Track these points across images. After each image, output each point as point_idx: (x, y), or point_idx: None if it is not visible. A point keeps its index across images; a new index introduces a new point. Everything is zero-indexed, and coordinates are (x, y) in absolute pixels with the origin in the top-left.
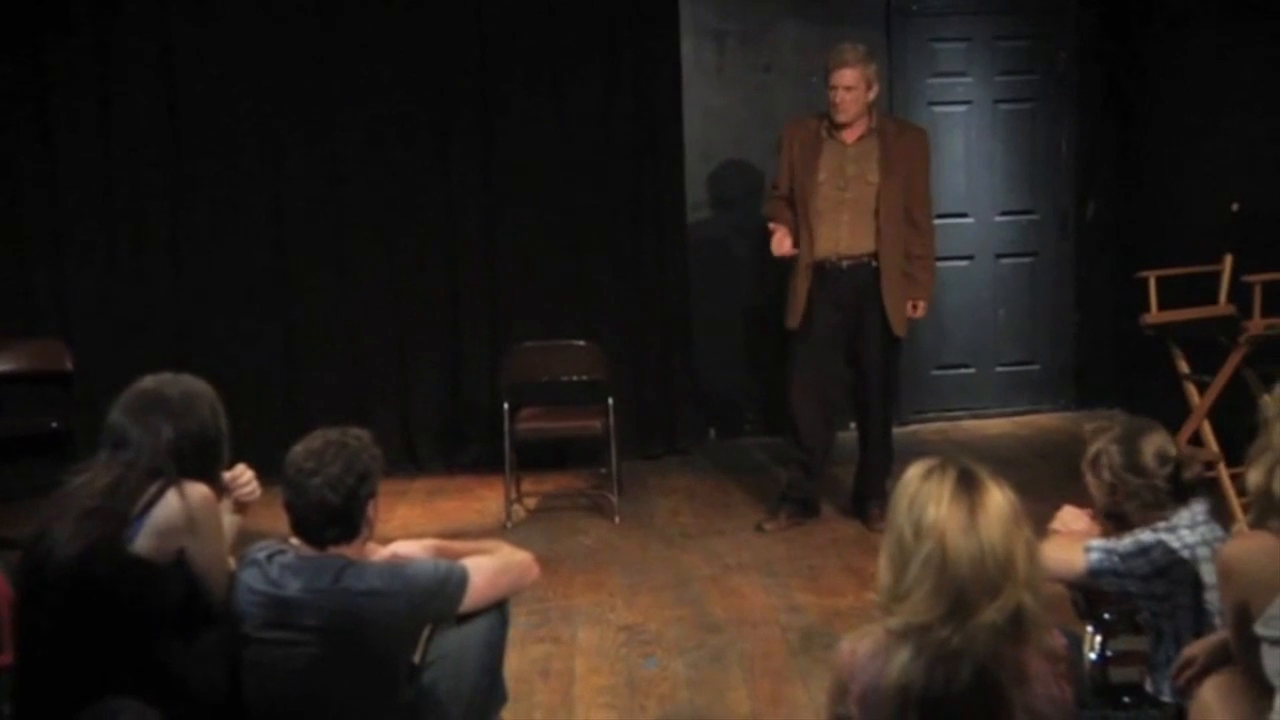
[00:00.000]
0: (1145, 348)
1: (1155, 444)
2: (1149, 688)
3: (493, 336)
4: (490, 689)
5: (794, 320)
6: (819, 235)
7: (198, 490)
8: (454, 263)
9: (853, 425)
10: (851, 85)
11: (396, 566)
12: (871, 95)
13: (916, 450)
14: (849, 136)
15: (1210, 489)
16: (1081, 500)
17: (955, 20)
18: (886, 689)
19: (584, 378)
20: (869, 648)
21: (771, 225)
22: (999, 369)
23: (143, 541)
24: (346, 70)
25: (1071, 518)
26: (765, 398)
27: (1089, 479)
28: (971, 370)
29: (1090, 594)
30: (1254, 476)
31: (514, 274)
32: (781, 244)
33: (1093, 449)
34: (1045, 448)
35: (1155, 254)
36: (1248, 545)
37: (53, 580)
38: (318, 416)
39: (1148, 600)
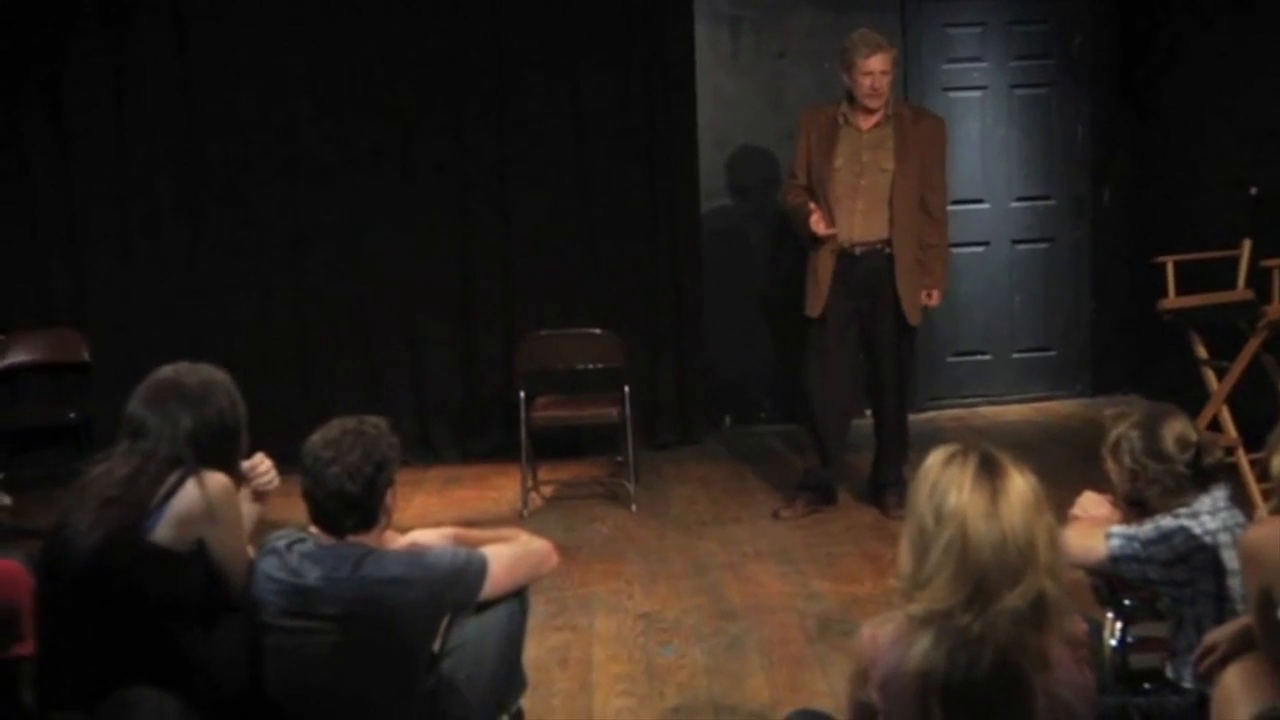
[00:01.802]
0: (1162, 333)
1: (1176, 429)
2: (1170, 674)
3: (508, 325)
4: (509, 677)
5: (815, 308)
6: (835, 222)
7: (217, 479)
8: (469, 251)
9: (868, 413)
10: (886, 70)
11: (416, 555)
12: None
13: (934, 437)
14: (865, 123)
15: (1230, 474)
16: (1100, 486)
17: (970, 5)
18: (908, 675)
19: (600, 366)
20: (890, 634)
21: (810, 205)
22: (1015, 355)
23: (162, 531)
24: (360, 58)
25: (1092, 503)
26: (781, 385)
27: (1109, 465)
28: (988, 357)
29: (1111, 580)
30: (1277, 463)
31: (528, 262)
32: (819, 224)
33: (1113, 434)
34: (1062, 434)
35: (1172, 239)
36: (1270, 531)
37: (73, 570)
38: (334, 405)
39: (1169, 586)
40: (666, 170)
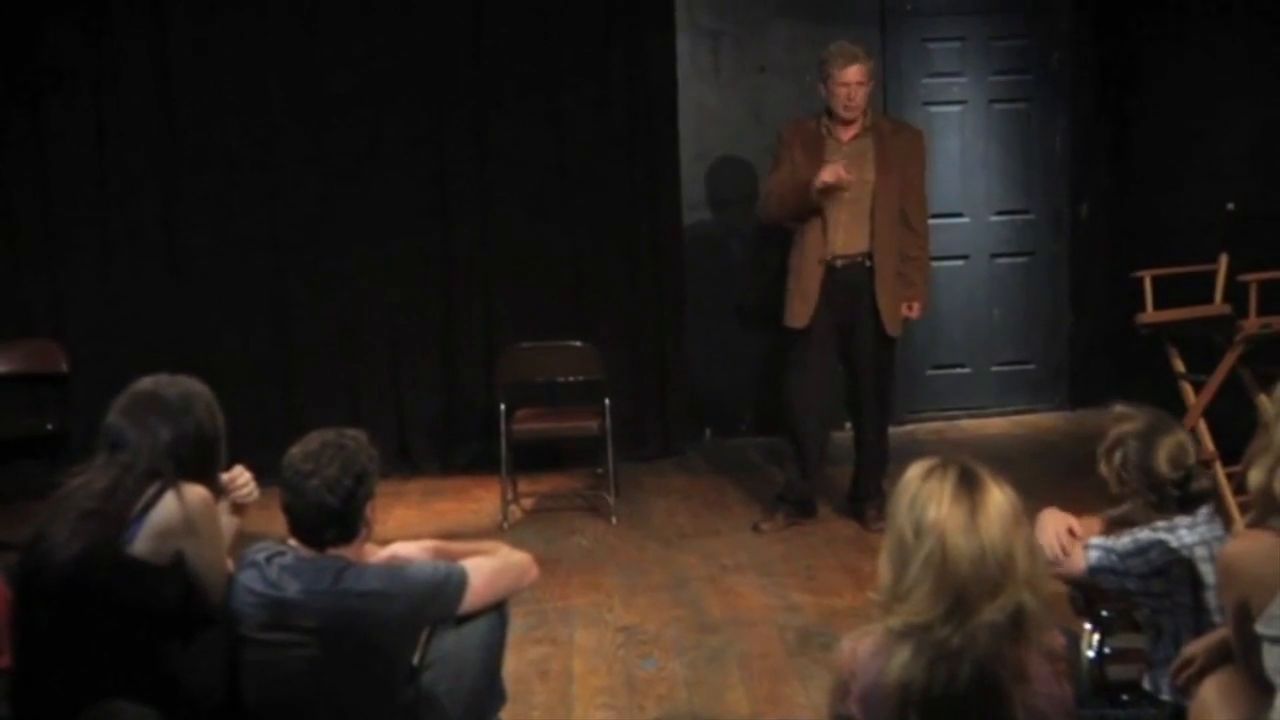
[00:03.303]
0: (1140, 347)
1: (1171, 448)
2: (1147, 686)
3: (488, 337)
4: (489, 690)
5: (801, 320)
6: (823, 234)
7: (195, 492)
8: (449, 263)
9: (848, 425)
10: (861, 81)
11: (396, 568)
12: (870, 88)
13: (912, 450)
14: (845, 134)
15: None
16: (1078, 498)
17: (949, 20)
18: (887, 688)
19: (580, 378)
20: (870, 647)
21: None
22: (994, 369)
23: (141, 543)
24: (341, 71)
25: (1051, 519)
26: (761, 397)
27: (1102, 464)
28: (967, 370)
29: (1089, 592)
30: (1255, 476)
31: (509, 274)
32: (833, 171)
33: (1112, 434)
34: (1041, 447)
35: (1150, 253)
36: (1248, 545)
37: (51, 582)
38: (314, 418)
39: (1147, 598)
40: (648, 183)
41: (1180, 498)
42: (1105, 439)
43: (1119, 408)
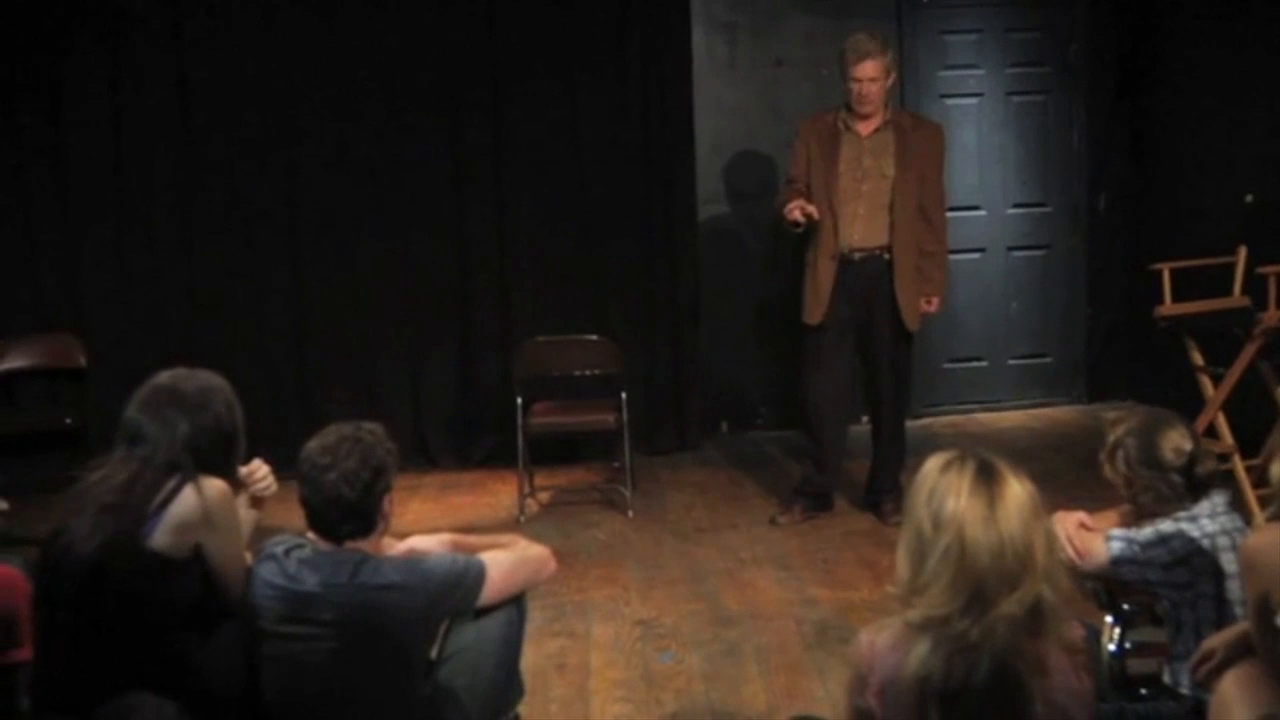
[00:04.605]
0: (1158, 340)
1: (1172, 439)
2: (1167, 679)
3: (504, 331)
4: (507, 683)
5: (815, 316)
6: (838, 228)
7: (214, 485)
8: (465, 257)
9: (865, 419)
10: (874, 77)
11: (414, 561)
12: (889, 83)
13: (929, 443)
14: (865, 129)
15: (1226, 481)
16: (1094, 494)
17: (966, 12)
18: (905, 681)
19: (597, 372)
20: (888, 640)
21: (796, 201)
22: (1011, 362)
23: (160, 537)
24: (357, 64)
25: (1060, 523)
26: (777, 391)
27: (1106, 469)
28: (984, 363)
29: (1111, 585)
30: (1276, 469)
31: (525, 268)
32: (794, 211)
33: (1110, 439)
34: (1058, 440)
35: (1168, 245)
36: (1269, 537)
37: (71, 576)
38: (331, 412)
39: (1169, 589)
40: (664, 177)
41: (1189, 484)
42: (1105, 445)
43: (1112, 414)
